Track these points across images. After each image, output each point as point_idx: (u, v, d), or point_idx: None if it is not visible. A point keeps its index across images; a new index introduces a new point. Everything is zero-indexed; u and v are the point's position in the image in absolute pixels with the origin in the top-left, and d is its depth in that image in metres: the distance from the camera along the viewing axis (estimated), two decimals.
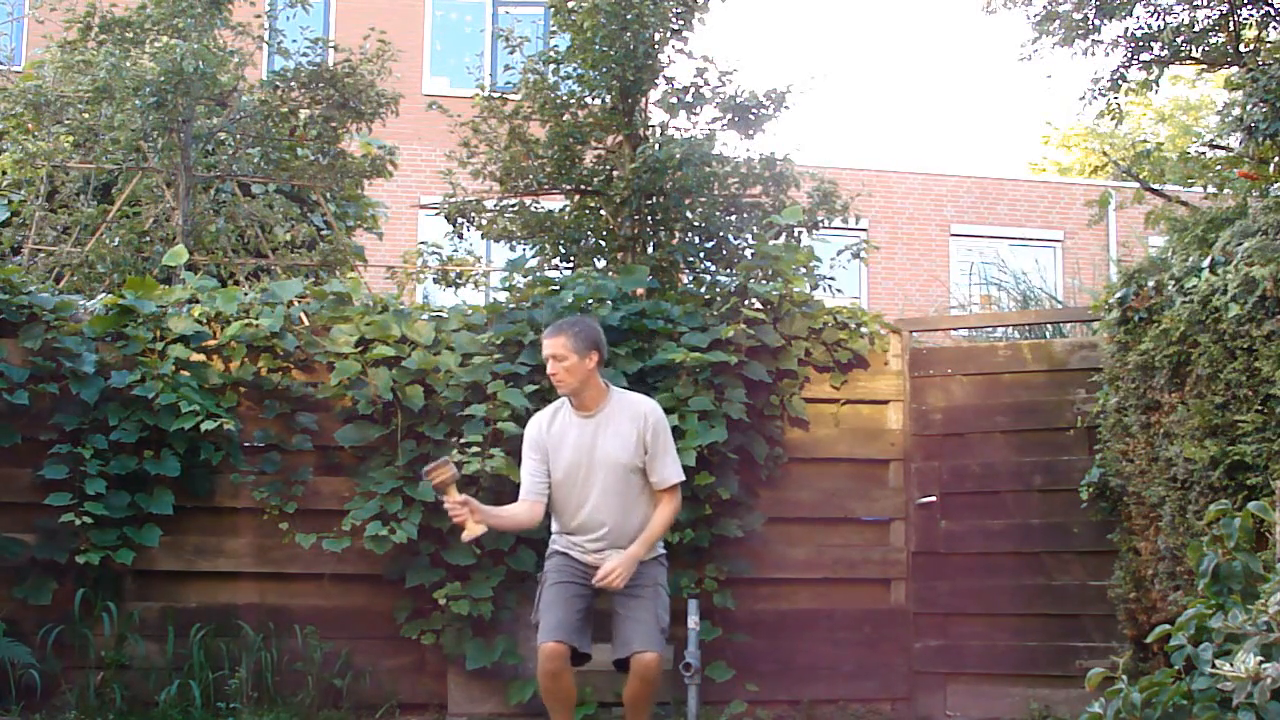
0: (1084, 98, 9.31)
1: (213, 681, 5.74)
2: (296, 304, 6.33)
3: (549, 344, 4.58)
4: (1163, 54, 8.95)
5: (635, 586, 4.59)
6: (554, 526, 4.78)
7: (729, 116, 7.49)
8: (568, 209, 7.67)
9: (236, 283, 8.59)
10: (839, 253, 7.53)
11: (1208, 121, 23.80)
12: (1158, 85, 9.37)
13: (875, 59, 46.32)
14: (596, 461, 4.57)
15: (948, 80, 46.03)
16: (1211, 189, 8.02)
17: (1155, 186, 9.50)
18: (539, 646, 4.56)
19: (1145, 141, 13.69)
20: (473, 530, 4.48)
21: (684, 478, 4.76)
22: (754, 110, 7.48)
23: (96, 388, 5.75)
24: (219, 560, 6.01)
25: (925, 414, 6.41)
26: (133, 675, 5.78)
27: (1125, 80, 9.15)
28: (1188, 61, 9.23)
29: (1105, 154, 15.82)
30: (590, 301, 6.16)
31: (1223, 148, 8.51)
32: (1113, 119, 9.53)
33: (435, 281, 8.66)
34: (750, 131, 7.56)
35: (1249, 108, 6.04)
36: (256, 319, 6.04)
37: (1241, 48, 8.63)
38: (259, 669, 5.78)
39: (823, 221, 7.56)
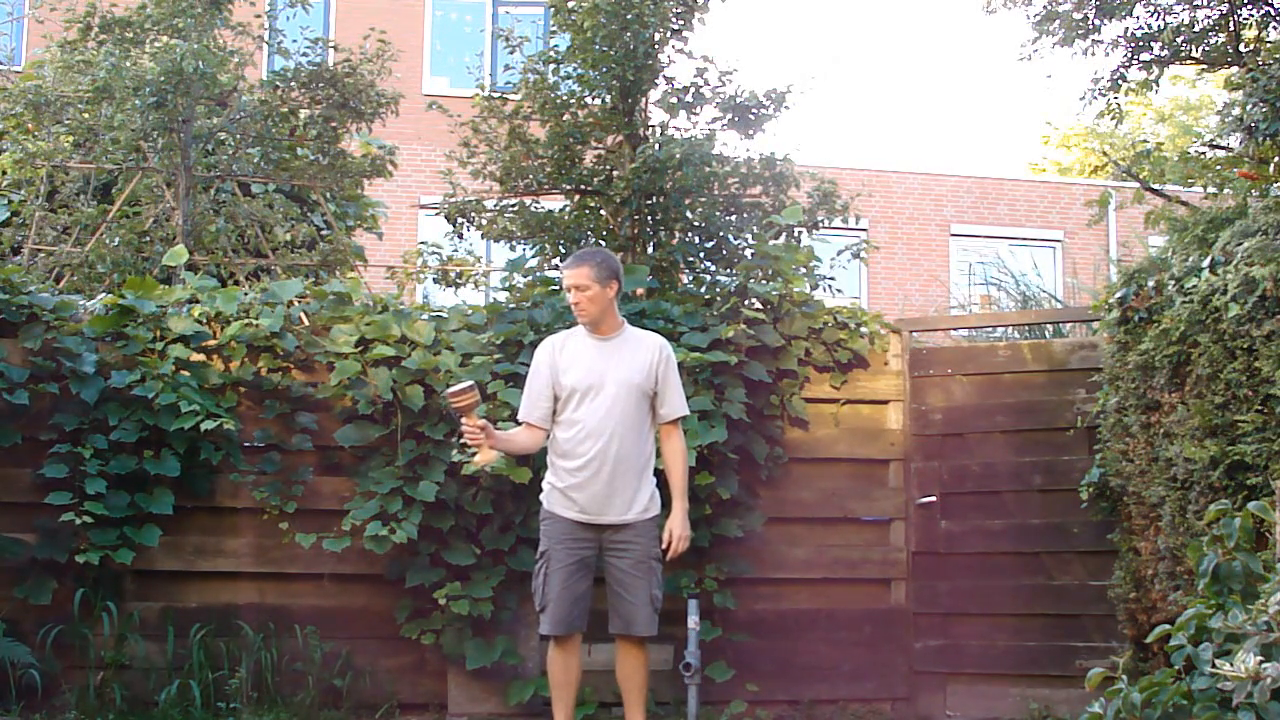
0: (1084, 98, 9.33)
1: (213, 681, 5.74)
2: (296, 304, 6.33)
3: (571, 274, 4.74)
4: (1163, 54, 8.95)
5: (630, 550, 4.72)
6: (549, 458, 4.85)
7: (729, 116, 7.48)
8: (568, 209, 7.66)
9: (236, 283, 8.57)
10: (839, 253, 7.53)
11: (1208, 121, 23.81)
12: (1158, 85, 9.39)
13: (875, 59, 46.34)
14: (610, 379, 4.73)
15: (948, 80, 46.06)
16: (1211, 189, 8.02)
17: (1155, 186, 9.51)
18: (549, 638, 4.76)
19: (1145, 141, 13.69)
20: (487, 456, 4.60)
21: (688, 413, 4.98)
22: (754, 110, 7.48)
23: (96, 388, 5.75)
24: (219, 560, 6.00)
25: (925, 414, 6.41)
26: (133, 675, 5.78)
27: (1125, 80, 9.16)
28: (1188, 61, 9.24)
29: (1105, 154, 15.83)
30: None
31: (1223, 148, 8.50)
32: (1113, 119, 9.55)
33: (435, 281, 8.64)
34: (750, 131, 7.55)
35: (1249, 108, 6.03)
36: (256, 319, 6.04)
37: (1241, 48, 8.64)
38: (259, 669, 5.77)
39: (823, 221, 7.55)
